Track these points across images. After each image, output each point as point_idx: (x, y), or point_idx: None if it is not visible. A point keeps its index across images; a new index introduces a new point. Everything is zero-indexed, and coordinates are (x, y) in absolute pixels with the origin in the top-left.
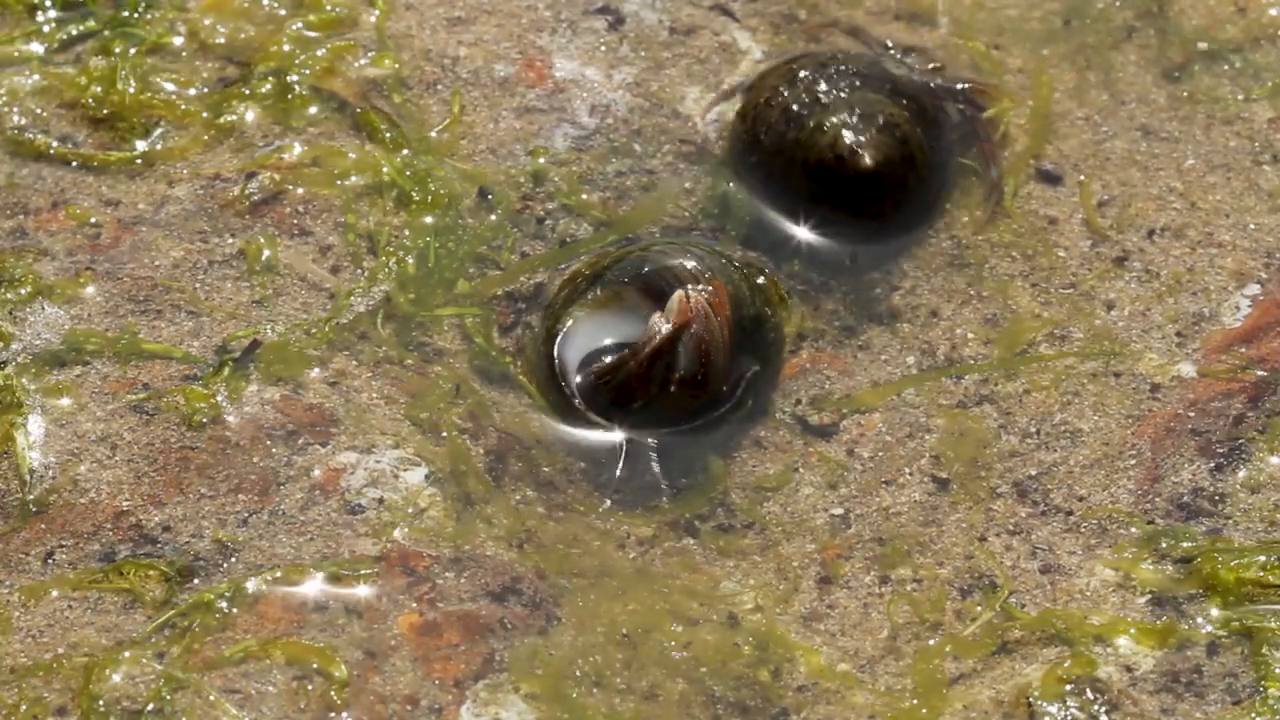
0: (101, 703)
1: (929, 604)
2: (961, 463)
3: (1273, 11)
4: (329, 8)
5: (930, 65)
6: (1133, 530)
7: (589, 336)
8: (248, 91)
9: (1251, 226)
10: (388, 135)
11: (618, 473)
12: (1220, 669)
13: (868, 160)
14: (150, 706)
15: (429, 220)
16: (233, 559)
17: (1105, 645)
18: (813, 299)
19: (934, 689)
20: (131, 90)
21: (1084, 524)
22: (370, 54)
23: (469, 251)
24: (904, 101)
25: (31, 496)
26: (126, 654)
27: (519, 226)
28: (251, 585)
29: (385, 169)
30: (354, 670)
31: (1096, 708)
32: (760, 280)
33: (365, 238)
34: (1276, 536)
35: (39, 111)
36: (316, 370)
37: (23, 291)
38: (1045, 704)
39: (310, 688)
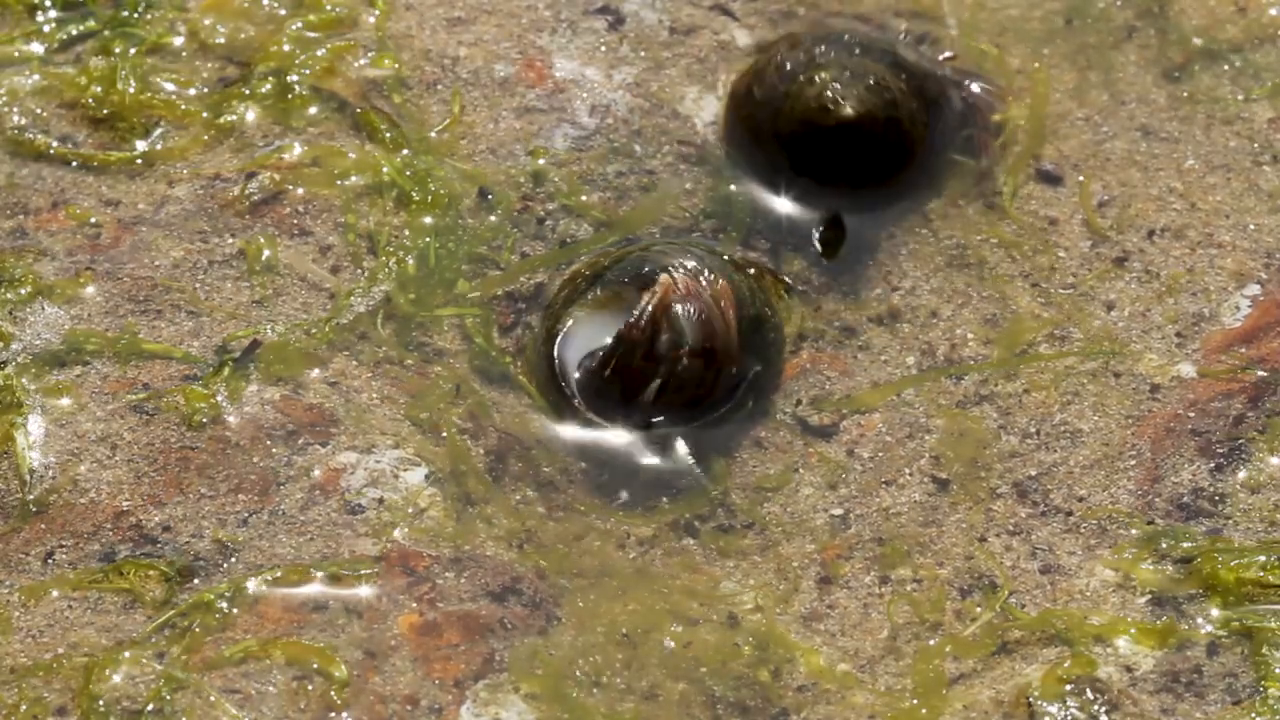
0: (101, 703)
1: (929, 604)
2: (961, 463)
3: (1273, 11)
4: (329, 8)
5: (944, 55)
6: (1133, 530)
7: (589, 336)
8: (248, 91)
9: (1251, 227)
10: (388, 135)
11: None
12: (1220, 669)
13: (848, 109)
14: (150, 706)
15: (429, 220)
16: (233, 559)
17: (1105, 645)
18: (813, 299)
19: (934, 689)
20: (131, 90)
21: (1084, 524)
22: (370, 54)
23: (469, 252)
24: (903, 76)
25: (31, 496)
26: (126, 654)
27: (519, 227)
28: (251, 585)
29: (385, 169)
30: (354, 670)
31: (1096, 708)
32: (753, 276)
33: (365, 238)
34: (1276, 536)
35: (39, 111)
36: (316, 370)
37: (23, 291)
38: (1045, 704)
39: (310, 688)
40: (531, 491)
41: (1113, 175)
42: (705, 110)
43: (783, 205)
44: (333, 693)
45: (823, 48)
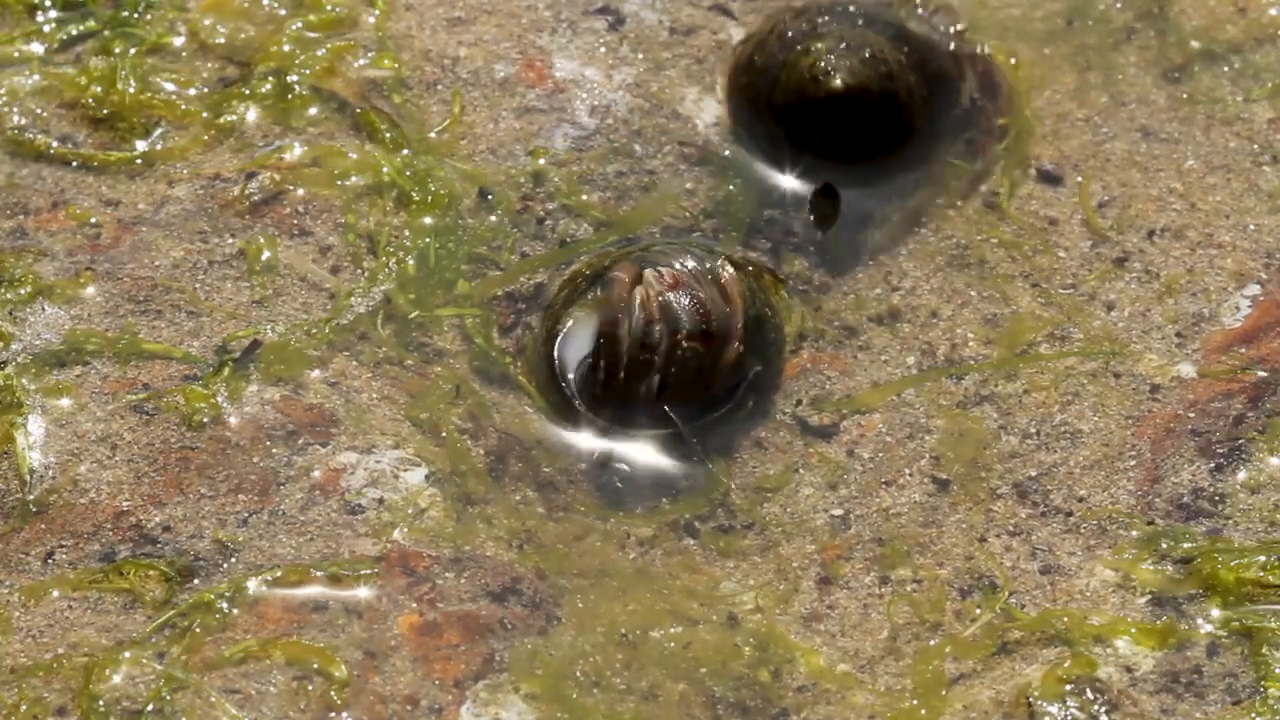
0: (101, 703)
1: (929, 604)
2: (961, 463)
3: (1273, 11)
4: (329, 8)
5: (956, 27)
6: (1133, 531)
7: (589, 337)
8: (248, 91)
9: (1251, 227)
10: (388, 135)
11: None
12: (1220, 669)
13: (838, 81)
14: (150, 706)
15: (429, 220)
16: (233, 559)
17: (1105, 645)
18: (813, 299)
19: (934, 689)
20: (131, 90)
21: (1084, 525)
22: (370, 54)
23: (469, 252)
24: (905, 49)
25: (31, 496)
26: (126, 654)
27: (519, 227)
28: (251, 585)
29: (385, 169)
30: (354, 670)
31: (1096, 708)
32: (753, 274)
33: (365, 238)
34: (1276, 536)
35: (39, 111)
36: (316, 370)
37: (23, 291)
38: (1045, 704)
39: (310, 688)
40: (531, 492)
41: (1113, 176)
42: (705, 111)
43: (787, 182)
44: (333, 693)
45: (826, 18)
